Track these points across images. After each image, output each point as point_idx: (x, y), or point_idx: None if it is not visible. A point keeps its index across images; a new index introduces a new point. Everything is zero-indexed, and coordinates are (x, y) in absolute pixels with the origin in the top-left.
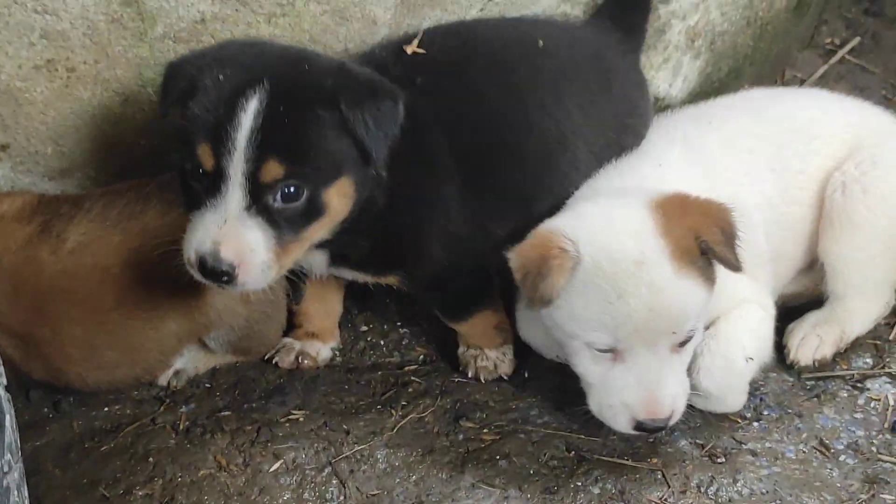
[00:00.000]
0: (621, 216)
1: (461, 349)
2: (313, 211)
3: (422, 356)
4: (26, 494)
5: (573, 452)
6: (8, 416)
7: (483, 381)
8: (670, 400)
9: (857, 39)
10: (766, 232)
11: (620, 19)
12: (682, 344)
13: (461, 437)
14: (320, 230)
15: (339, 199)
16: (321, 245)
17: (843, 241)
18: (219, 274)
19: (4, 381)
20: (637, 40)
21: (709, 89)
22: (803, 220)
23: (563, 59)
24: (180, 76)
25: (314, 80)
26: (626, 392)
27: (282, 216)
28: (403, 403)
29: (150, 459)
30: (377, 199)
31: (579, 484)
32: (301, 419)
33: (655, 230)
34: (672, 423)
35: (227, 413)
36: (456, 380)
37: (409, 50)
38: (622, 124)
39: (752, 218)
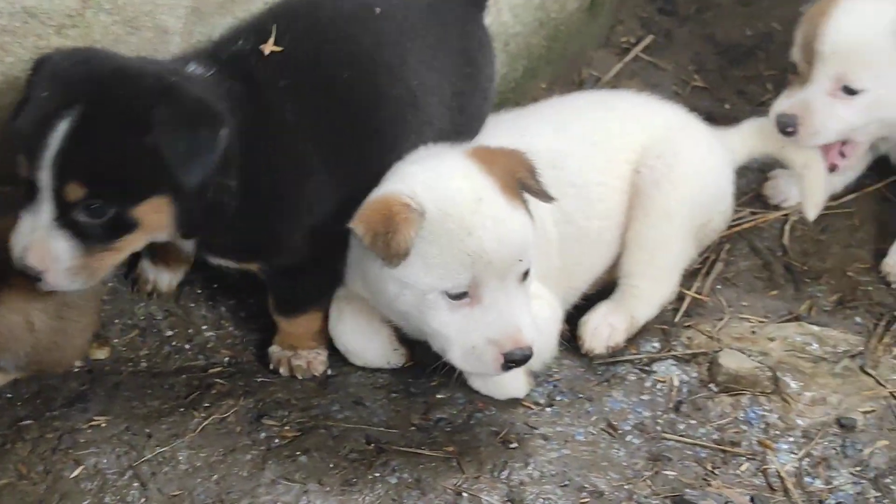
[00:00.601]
0: (448, 166)
1: (274, 348)
2: (123, 226)
3: (227, 358)
4: None
5: (372, 445)
6: None
7: (300, 379)
8: (529, 327)
9: (650, 38)
10: (562, 248)
11: None
12: (525, 276)
13: (263, 435)
14: (137, 241)
15: (153, 215)
16: (186, 236)
17: (654, 229)
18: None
19: None
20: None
21: (506, 89)
22: (602, 233)
23: (400, 20)
24: (28, 84)
25: (130, 103)
26: (490, 329)
27: (89, 229)
28: (206, 405)
29: None
30: (227, 204)
31: (377, 475)
32: (103, 425)
33: (481, 172)
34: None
35: (28, 422)
36: (259, 380)
37: (267, 50)
38: (463, 73)
39: (549, 233)
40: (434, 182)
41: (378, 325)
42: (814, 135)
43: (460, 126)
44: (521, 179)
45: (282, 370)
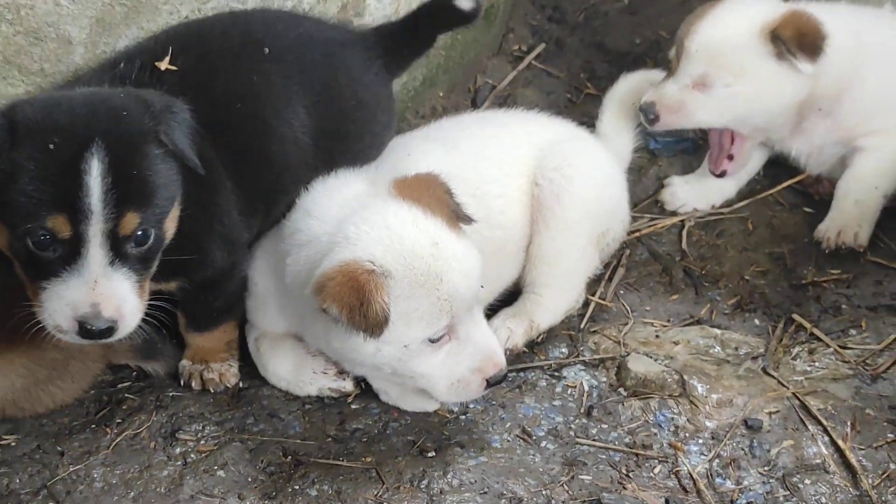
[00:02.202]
0: (393, 217)
1: (185, 363)
2: (157, 244)
3: (135, 373)
4: None
5: (290, 457)
6: None
7: (212, 392)
8: (499, 347)
9: (542, 46)
10: None
11: (390, 43)
12: None
13: (178, 450)
14: (159, 257)
15: (172, 223)
16: None
17: (558, 238)
18: (101, 332)
19: None
20: (396, 66)
21: (406, 98)
22: (506, 243)
23: (289, 63)
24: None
25: (135, 122)
26: (472, 359)
27: (137, 259)
28: (118, 421)
29: None
30: None
31: (297, 487)
32: (13, 444)
33: (423, 213)
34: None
35: None
36: (171, 394)
37: (163, 66)
38: (349, 117)
39: None
40: (388, 239)
41: (312, 355)
42: (674, 119)
43: (342, 165)
44: (452, 209)
45: (194, 384)
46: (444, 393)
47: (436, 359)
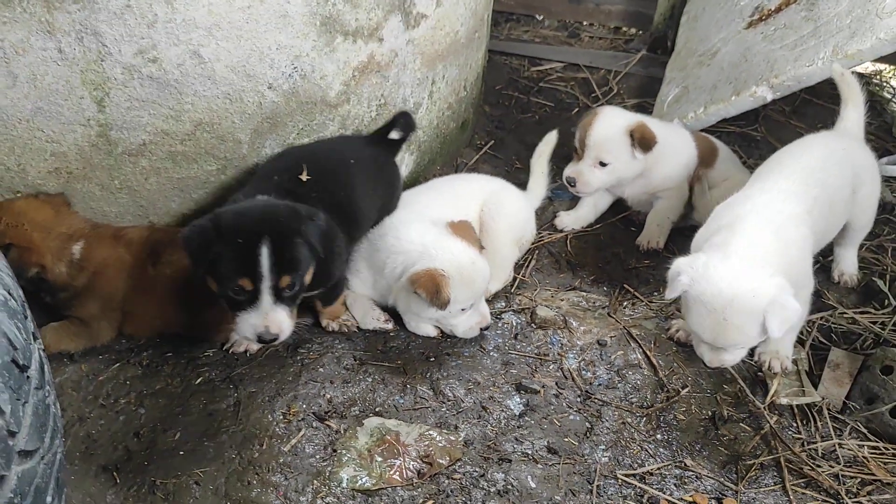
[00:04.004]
0: (453, 246)
1: (324, 321)
2: (301, 289)
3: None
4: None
5: (357, 361)
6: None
7: (346, 332)
8: (489, 314)
9: (492, 142)
10: None
11: (385, 142)
12: None
13: (298, 357)
14: (303, 294)
15: (309, 276)
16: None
17: (495, 242)
18: (269, 340)
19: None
20: (394, 152)
21: (420, 169)
22: None
23: (361, 163)
24: (203, 249)
25: (288, 226)
26: (477, 318)
27: (289, 298)
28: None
29: None
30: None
31: (360, 377)
32: (210, 354)
33: (466, 244)
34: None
35: None
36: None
37: (304, 178)
38: (385, 192)
39: None
40: (451, 258)
41: (374, 308)
42: (585, 186)
43: (383, 213)
44: (478, 240)
45: (336, 328)
46: (462, 333)
47: (462, 317)
